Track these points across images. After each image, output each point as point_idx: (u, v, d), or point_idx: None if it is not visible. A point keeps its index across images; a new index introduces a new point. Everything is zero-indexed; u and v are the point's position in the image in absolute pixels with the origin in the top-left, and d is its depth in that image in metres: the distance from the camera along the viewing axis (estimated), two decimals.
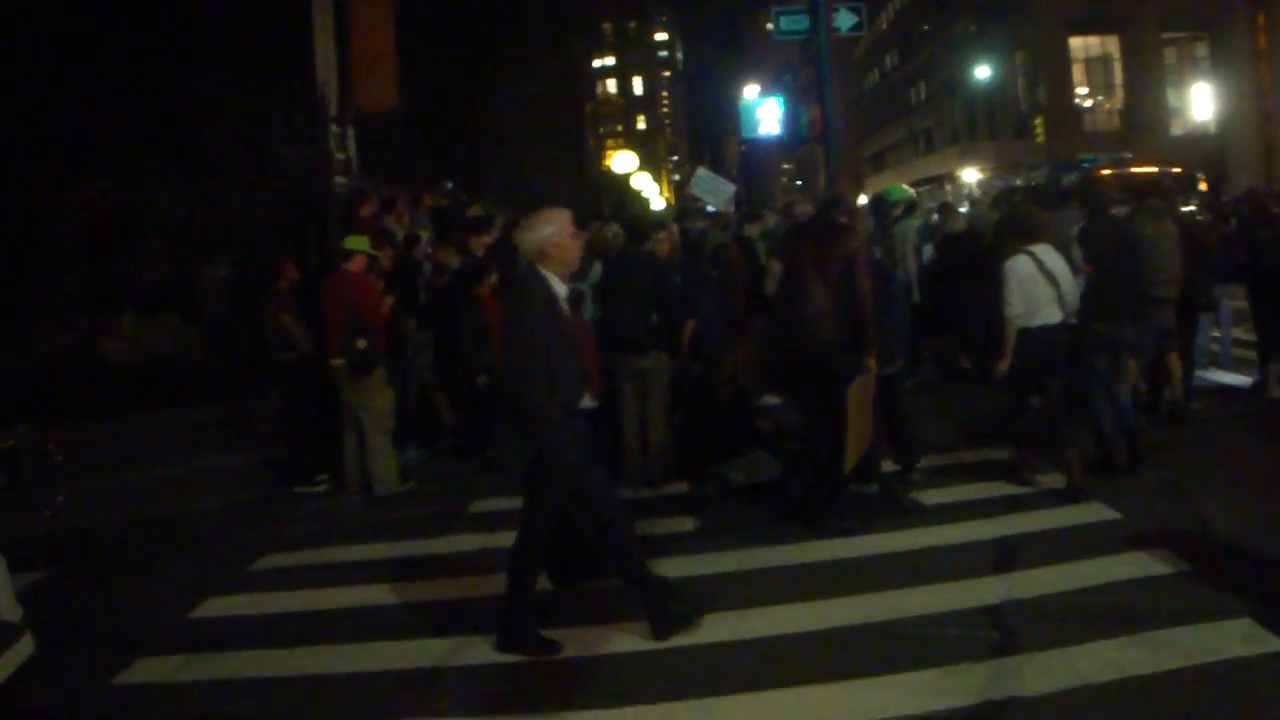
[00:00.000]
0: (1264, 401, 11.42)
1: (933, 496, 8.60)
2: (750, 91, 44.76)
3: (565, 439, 5.86)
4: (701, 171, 14.92)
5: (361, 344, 9.66)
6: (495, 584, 6.60)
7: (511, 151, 43.25)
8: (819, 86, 15.41)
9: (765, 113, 15.77)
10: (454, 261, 11.60)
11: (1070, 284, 8.35)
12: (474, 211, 14.78)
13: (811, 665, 5.65)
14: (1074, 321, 8.55)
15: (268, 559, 8.40)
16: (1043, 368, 8.36)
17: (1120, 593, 6.32)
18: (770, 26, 16.14)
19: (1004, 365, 8.32)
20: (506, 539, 7.77)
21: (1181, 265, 9.97)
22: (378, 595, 7.31)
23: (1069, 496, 8.21)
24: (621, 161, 27.65)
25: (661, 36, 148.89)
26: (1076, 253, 8.98)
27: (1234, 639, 5.56)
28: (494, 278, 10.71)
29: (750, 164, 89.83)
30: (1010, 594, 6.38)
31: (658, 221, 11.02)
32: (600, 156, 50.60)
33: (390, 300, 10.52)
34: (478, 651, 6.15)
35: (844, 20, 15.73)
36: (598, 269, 9.98)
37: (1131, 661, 5.37)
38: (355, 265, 10.03)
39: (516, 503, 8.99)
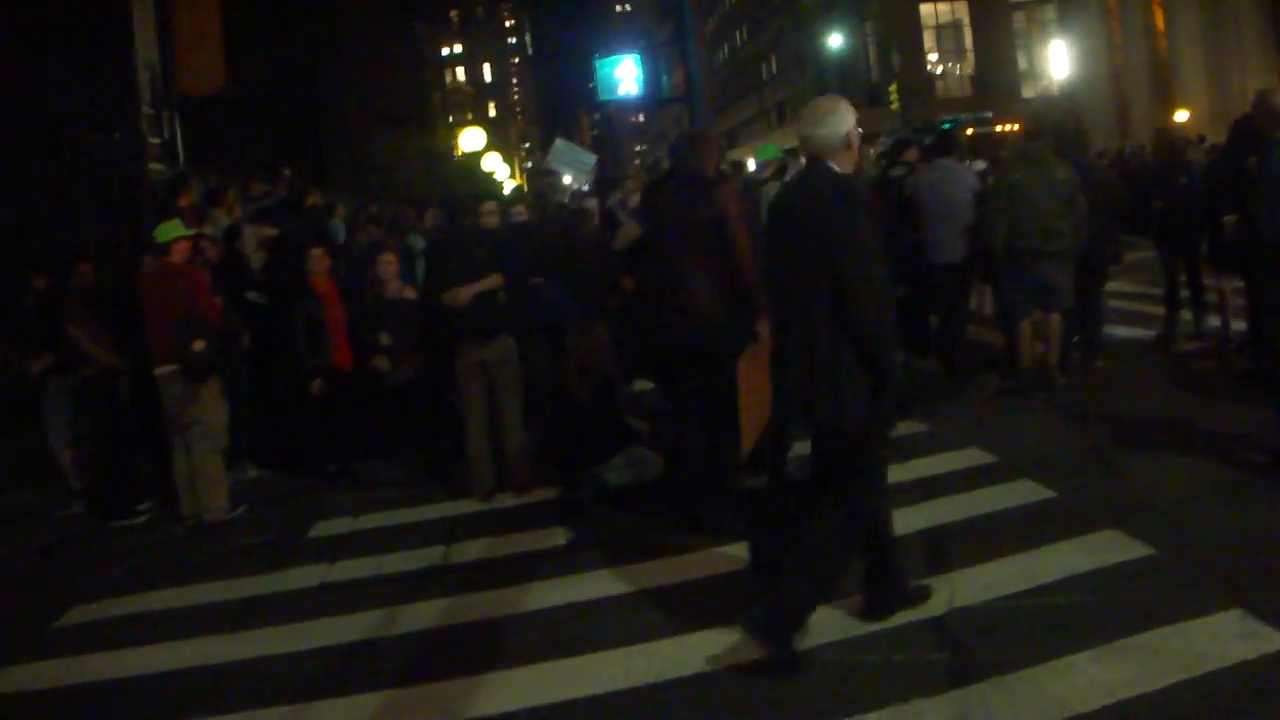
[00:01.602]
0: (1172, 355, 10.75)
1: None
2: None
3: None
4: (559, 143, 13.55)
5: (199, 346, 8.28)
6: (341, 630, 5.65)
7: (357, 139, 41.73)
8: (681, 42, 14.25)
9: (623, 72, 14.49)
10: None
11: None
12: (312, 200, 13.37)
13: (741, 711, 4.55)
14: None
15: (75, 612, 6.87)
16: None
17: (1079, 590, 5.33)
18: None
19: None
20: (352, 569, 6.91)
21: (1076, 214, 9.27)
22: (204, 652, 5.92)
23: None
24: (470, 139, 26.05)
25: (510, 23, 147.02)
26: None
27: (1229, 638, 4.62)
28: (324, 260, 9.37)
29: (609, 132, 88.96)
30: (953, 602, 5.31)
31: (481, 193, 9.76)
32: (451, 145, 49.14)
33: (218, 300, 9.10)
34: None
35: None
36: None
37: (1116, 680, 4.37)
38: (177, 255, 8.57)
39: (365, 523, 7.96)
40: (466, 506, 8.11)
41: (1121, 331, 11.61)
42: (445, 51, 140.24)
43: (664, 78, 15.07)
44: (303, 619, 6.22)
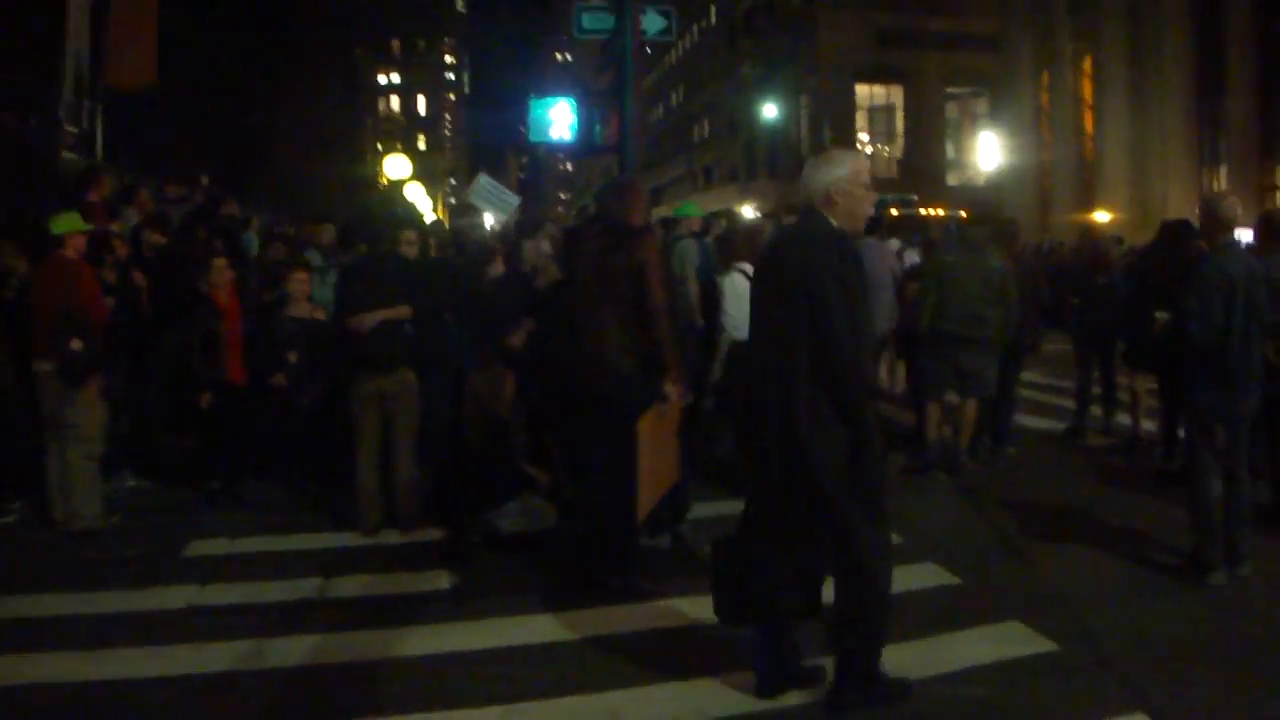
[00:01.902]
0: (1081, 449, 10.77)
1: None
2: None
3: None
4: (483, 178, 13.08)
5: (76, 346, 7.81)
6: (204, 658, 5.34)
7: (283, 155, 41.06)
8: (619, 92, 14.05)
9: (558, 116, 14.25)
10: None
11: None
12: (228, 210, 12.95)
13: None
14: None
15: None
16: None
17: (979, 682, 5.16)
18: (573, 26, 14.55)
19: (716, 372, 8.56)
20: (223, 593, 6.57)
21: (1008, 304, 9.27)
22: (57, 669, 5.48)
23: None
24: (395, 166, 25.30)
25: (451, 59, 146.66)
26: None
27: None
28: (227, 273, 8.99)
29: (535, 177, 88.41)
30: None
31: (403, 221, 9.44)
32: (375, 172, 48.54)
33: (109, 301, 8.67)
34: None
35: (652, 23, 14.38)
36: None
37: None
38: (71, 250, 8.13)
39: (242, 546, 7.55)
40: (350, 539, 7.72)
41: (1030, 421, 11.60)
42: (383, 79, 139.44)
43: (597, 127, 14.79)
44: (165, 642, 5.81)
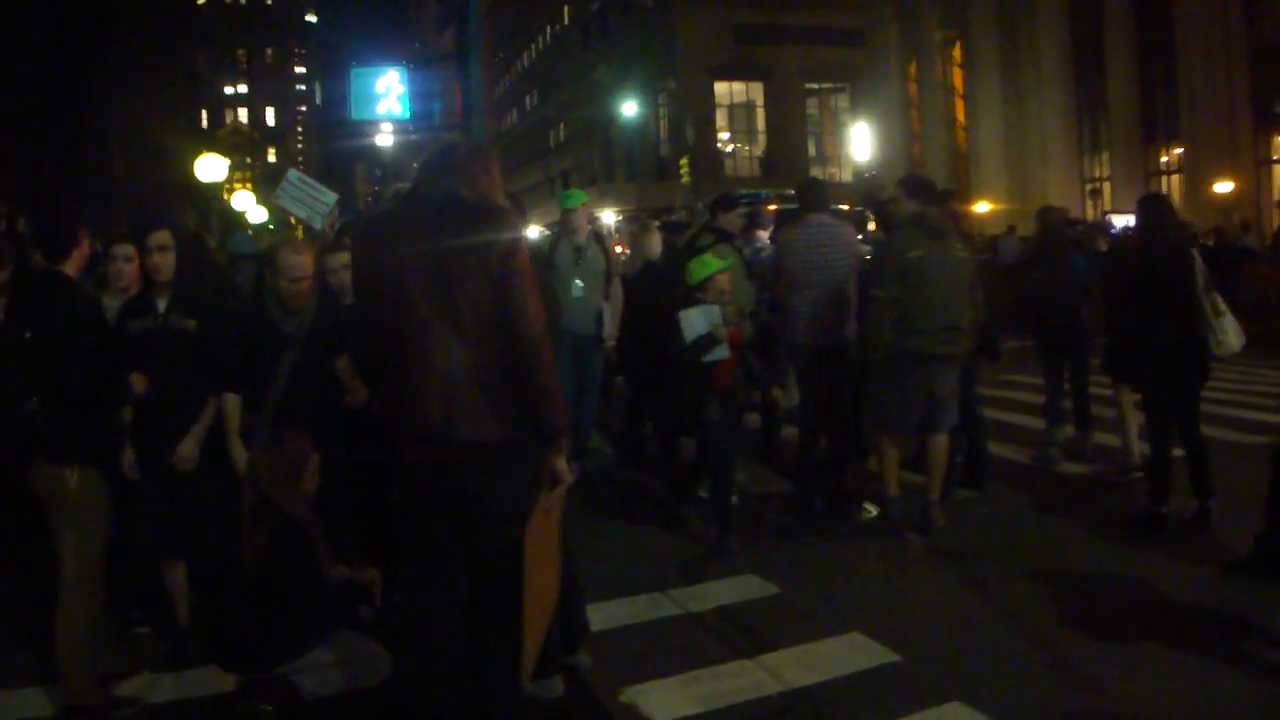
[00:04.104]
0: (1051, 477, 8.75)
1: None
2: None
3: None
4: (292, 174, 9.76)
5: None
6: None
7: (117, 169, 38.00)
8: (460, 59, 11.46)
9: (386, 86, 11.61)
10: None
11: None
12: (20, 228, 10.63)
13: None
14: None
15: None
16: None
17: None
18: None
19: None
20: None
21: (976, 307, 7.22)
22: None
23: None
24: (207, 168, 21.48)
25: (303, 70, 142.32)
26: None
27: None
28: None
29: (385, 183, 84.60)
30: None
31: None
32: (228, 189, 45.04)
33: None
34: None
35: None
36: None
37: None
38: None
39: None
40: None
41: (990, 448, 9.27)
42: (230, 90, 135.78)
43: (437, 103, 12.24)
44: None
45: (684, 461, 8.10)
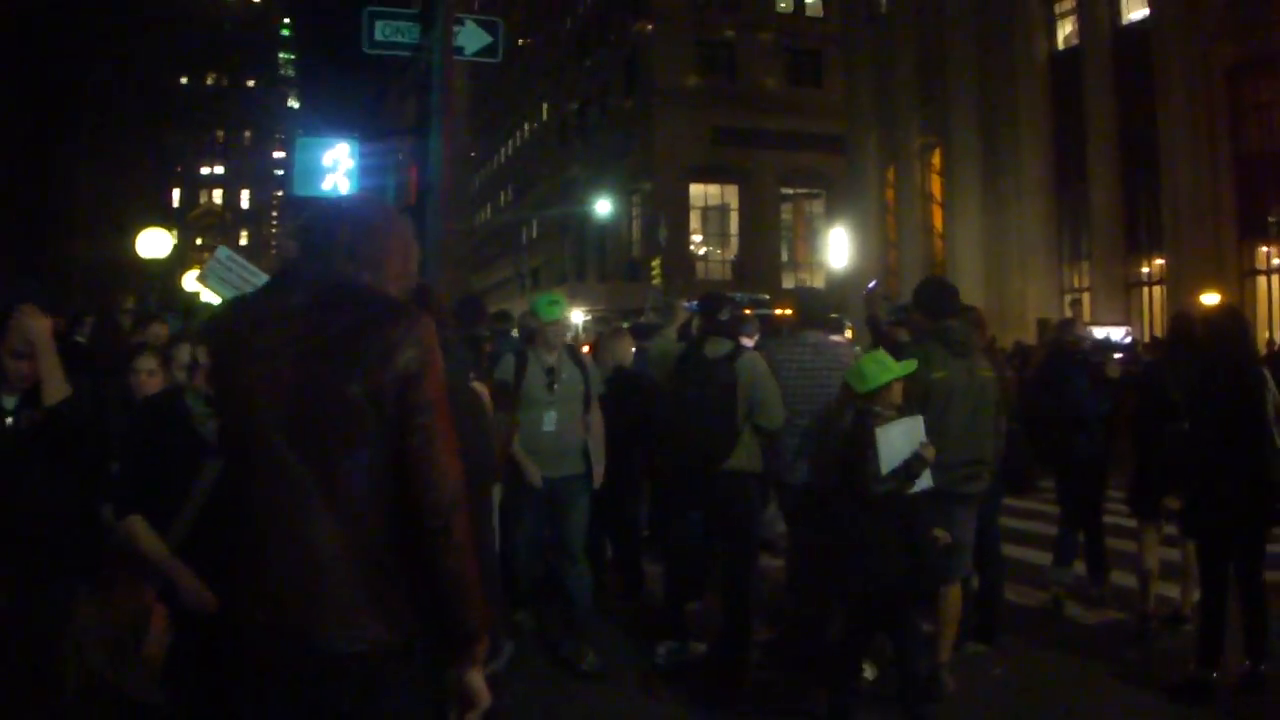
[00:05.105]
0: (1066, 626, 7.50)
1: None
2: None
3: None
4: (221, 251, 8.46)
5: None
6: None
7: (82, 244, 37.39)
8: (421, 130, 10.47)
9: (333, 161, 10.55)
10: None
11: None
12: None
13: None
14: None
15: None
16: None
17: None
18: (364, 38, 10.63)
19: None
20: None
21: (999, 437, 6.18)
22: None
23: None
24: (150, 243, 19.42)
25: (280, 155, 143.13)
26: None
27: None
28: None
29: None
30: None
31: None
32: (185, 269, 44.44)
33: None
34: None
35: (472, 38, 10.77)
36: None
37: None
38: None
39: None
40: None
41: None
42: (205, 171, 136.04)
43: (390, 179, 11.23)
44: None
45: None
